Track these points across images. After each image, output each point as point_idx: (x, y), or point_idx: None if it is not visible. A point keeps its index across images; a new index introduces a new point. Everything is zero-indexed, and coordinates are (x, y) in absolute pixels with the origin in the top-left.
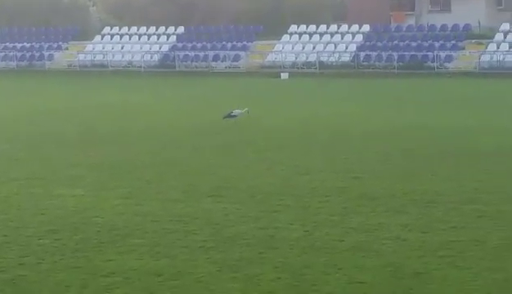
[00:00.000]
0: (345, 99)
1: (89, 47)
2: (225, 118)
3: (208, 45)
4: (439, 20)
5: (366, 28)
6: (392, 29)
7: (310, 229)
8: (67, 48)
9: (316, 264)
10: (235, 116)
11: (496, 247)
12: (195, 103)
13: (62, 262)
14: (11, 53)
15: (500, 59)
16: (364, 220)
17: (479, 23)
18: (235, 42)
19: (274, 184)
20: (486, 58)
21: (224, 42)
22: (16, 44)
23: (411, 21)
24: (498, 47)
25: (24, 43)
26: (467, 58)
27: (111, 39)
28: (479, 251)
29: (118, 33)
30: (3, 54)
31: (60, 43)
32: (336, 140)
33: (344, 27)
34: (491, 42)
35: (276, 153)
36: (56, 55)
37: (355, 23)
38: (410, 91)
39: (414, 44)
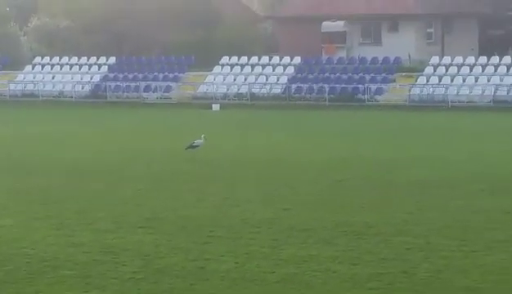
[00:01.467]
0: (276, 130)
1: (20, 77)
2: (187, 148)
3: (140, 75)
4: (370, 52)
5: (298, 60)
6: (324, 61)
7: (241, 260)
8: None
9: None
10: (197, 146)
11: (424, 279)
12: (124, 134)
13: None
14: None
15: (430, 92)
16: (294, 251)
17: (409, 56)
18: (166, 73)
19: (205, 216)
20: (416, 91)
21: (155, 73)
22: None
23: (343, 54)
24: (428, 80)
25: None
26: (397, 91)
27: (42, 69)
28: (408, 282)
29: (49, 63)
30: None
31: None
32: (267, 172)
33: (276, 59)
34: (421, 75)
35: (206, 184)
36: None
37: (286, 55)
38: (341, 123)
39: (345, 76)
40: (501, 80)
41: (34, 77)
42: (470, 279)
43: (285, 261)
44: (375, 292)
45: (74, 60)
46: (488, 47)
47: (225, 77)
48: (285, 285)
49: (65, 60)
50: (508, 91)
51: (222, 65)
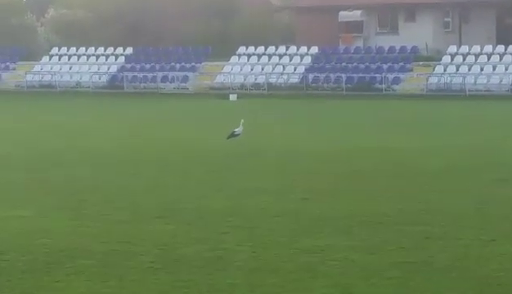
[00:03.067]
0: (294, 120)
1: (37, 68)
2: (229, 138)
3: (157, 66)
4: (387, 41)
5: (315, 49)
6: (341, 51)
7: (258, 250)
8: (14, 68)
9: (264, 285)
10: (238, 134)
11: (443, 268)
12: (143, 124)
13: (9, 283)
14: None
15: (448, 81)
16: (312, 241)
17: (427, 45)
18: (183, 63)
19: (223, 205)
20: (433, 80)
21: (173, 63)
22: None
23: (360, 43)
24: (445, 69)
25: None
26: (415, 80)
27: (59, 60)
28: (427, 272)
29: (66, 54)
30: None
31: (8, 63)
32: (285, 162)
33: (293, 49)
34: (439, 64)
35: (224, 173)
36: (4, 75)
37: (303, 45)
38: (359, 113)
39: (362, 66)
40: None
41: (51, 68)
42: (489, 268)
43: (303, 251)
44: (394, 282)
45: (91, 50)
46: (506, 36)
47: (242, 68)
48: (302, 274)
49: (82, 50)
50: None
51: (239, 55)
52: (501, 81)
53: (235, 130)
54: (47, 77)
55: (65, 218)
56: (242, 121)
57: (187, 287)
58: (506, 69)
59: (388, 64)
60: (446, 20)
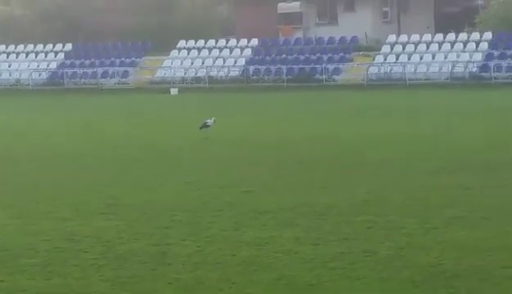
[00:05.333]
0: (235, 112)
1: None
2: (201, 128)
3: (97, 62)
4: (327, 32)
5: (255, 42)
6: (281, 43)
7: (202, 244)
8: None
9: (209, 279)
10: (209, 125)
11: (386, 257)
12: (83, 120)
13: None
14: None
15: (388, 70)
16: (256, 234)
17: (366, 35)
18: (123, 59)
19: (166, 200)
20: (373, 70)
21: (113, 59)
22: None
23: (299, 34)
24: (385, 59)
25: None
26: (355, 70)
27: None
28: (370, 261)
29: (4, 52)
30: None
31: None
32: (227, 154)
33: (233, 41)
34: (379, 53)
35: (166, 168)
36: None
37: (243, 37)
38: (300, 104)
39: (302, 57)
40: (458, 57)
41: None
42: (431, 256)
43: (247, 244)
44: (338, 272)
45: (30, 47)
46: (444, 25)
47: (182, 61)
48: (246, 267)
49: (20, 48)
50: (465, 68)
51: (179, 49)
52: (441, 69)
53: (207, 121)
54: None
55: (8, 216)
56: (213, 118)
57: (131, 283)
58: (445, 58)
59: (328, 54)
60: (384, 9)
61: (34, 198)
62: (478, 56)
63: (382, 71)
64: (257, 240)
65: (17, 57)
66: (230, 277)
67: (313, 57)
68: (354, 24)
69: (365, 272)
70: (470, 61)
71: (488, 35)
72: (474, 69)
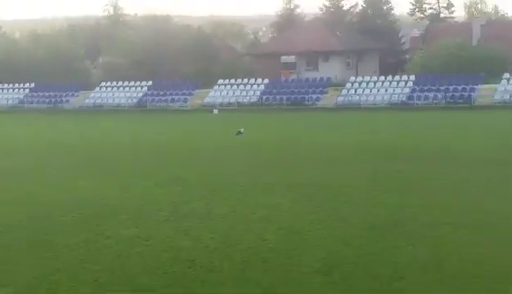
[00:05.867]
0: (255, 125)
1: (92, 95)
2: (237, 134)
3: (167, 92)
4: (312, 75)
5: (266, 81)
6: (283, 81)
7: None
8: (78, 95)
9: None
10: (242, 133)
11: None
12: (163, 130)
13: None
14: None
15: (350, 99)
16: None
17: (336, 77)
18: (184, 90)
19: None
20: (341, 98)
21: (177, 91)
22: None
23: (294, 76)
24: (348, 91)
25: None
26: (329, 98)
27: (106, 89)
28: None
29: (110, 86)
30: None
31: (73, 92)
32: (254, 151)
33: (252, 80)
34: (344, 88)
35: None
36: (71, 100)
37: (259, 77)
38: (296, 120)
39: (296, 90)
40: (394, 90)
41: (101, 95)
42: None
43: None
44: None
45: (126, 83)
46: (386, 70)
47: (221, 92)
48: None
49: (120, 83)
50: (398, 97)
51: (219, 85)
52: (383, 97)
53: (240, 130)
54: (99, 100)
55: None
56: (243, 128)
57: (188, 230)
58: (386, 91)
59: (312, 88)
60: (347, 60)
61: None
62: (407, 90)
63: (346, 99)
64: None
65: (118, 89)
66: None
67: (303, 90)
68: (329, 70)
69: None
70: (402, 93)
71: (413, 77)
72: (404, 98)
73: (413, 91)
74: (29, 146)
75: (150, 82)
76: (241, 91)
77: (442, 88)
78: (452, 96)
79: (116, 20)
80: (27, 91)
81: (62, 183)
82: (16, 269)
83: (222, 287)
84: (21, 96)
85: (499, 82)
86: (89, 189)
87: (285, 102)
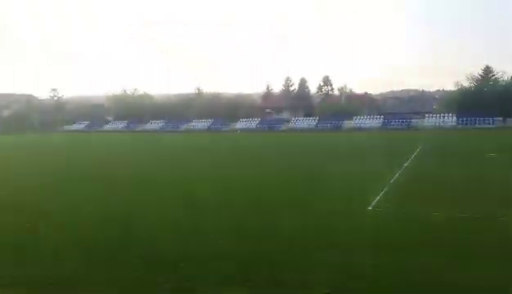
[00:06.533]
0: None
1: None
2: None
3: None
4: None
5: (258, 120)
6: (270, 119)
7: None
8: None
9: None
10: None
11: None
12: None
13: None
14: None
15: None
16: None
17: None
18: (223, 124)
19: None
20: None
21: (221, 124)
22: None
23: (271, 117)
24: (295, 123)
25: None
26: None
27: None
28: None
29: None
30: None
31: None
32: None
33: (254, 118)
34: (291, 121)
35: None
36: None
37: (258, 117)
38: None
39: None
40: (308, 123)
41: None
42: None
43: None
44: None
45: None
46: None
47: (243, 125)
48: None
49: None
50: (309, 125)
51: (241, 121)
52: (303, 125)
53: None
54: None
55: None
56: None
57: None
58: (303, 122)
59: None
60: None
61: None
62: (314, 122)
63: (291, 126)
64: None
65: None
66: None
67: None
68: (285, 114)
69: None
70: (311, 124)
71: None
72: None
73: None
74: None
75: (212, 119)
76: (251, 122)
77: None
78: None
79: None
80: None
81: None
82: None
83: None
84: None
85: None
86: None
87: (274, 129)
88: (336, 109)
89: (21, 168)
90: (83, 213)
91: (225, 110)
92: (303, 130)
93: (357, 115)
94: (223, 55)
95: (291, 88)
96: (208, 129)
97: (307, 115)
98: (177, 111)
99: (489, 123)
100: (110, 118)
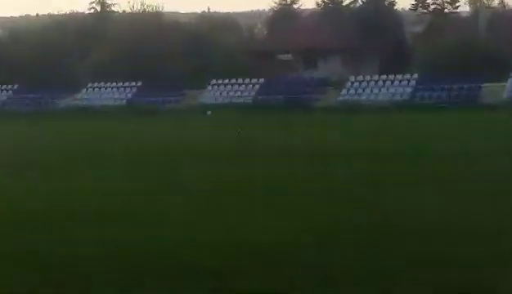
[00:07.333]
0: (249, 124)
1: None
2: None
3: (158, 93)
4: (310, 74)
5: (262, 80)
6: (280, 81)
7: None
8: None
9: None
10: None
11: None
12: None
13: None
14: None
15: (350, 98)
16: None
17: (335, 76)
18: (176, 91)
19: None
20: (341, 99)
21: (169, 91)
22: None
23: (292, 75)
24: (348, 91)
25: None
26: (328, 99)
27: (93, 90)
28: None
29: (98, 86)
30: None
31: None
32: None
33: (247, 80)
34: (344, 87)
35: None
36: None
37: (255, 77)
38: (294, 122)
39: (295, 90)
40: (396, 90)
41: (88, 96)
42: None
43: None
44: None
45: (114, 83)
46: (386, 70)
47: (214, 93)
48: None
49: (108, 84)
50: (401, 96)
51: (212, 85)
52: (384, 97)
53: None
54: (86, 102)
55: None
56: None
57: None
58: (387, 90)
59: (311, 88)
60: (347, 58)
61: None
62: (409, 89)
63: (347, 98)
64: None
65: (106, 90)
66: None
67: (301, 90)
68: (328, 69)
69: None
70: (403, 93)
71: (416, 75)
72: (407, 98)
73: (415, 90)
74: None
75: (139, 83)
76: (235, 91)
77: (446, 87)
78: (457, 96)
79: (103, 18)
80: (10, 92)
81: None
82: None
83: None
84: (4, 98)
85: (506, 80)
86: None
87: (282, 102)
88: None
89: None
90: None
91: (175, 58)
92: (381, 107)
93: None
94: None
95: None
96: (128, 105)
97: (389, 70)
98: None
99: None
100: None
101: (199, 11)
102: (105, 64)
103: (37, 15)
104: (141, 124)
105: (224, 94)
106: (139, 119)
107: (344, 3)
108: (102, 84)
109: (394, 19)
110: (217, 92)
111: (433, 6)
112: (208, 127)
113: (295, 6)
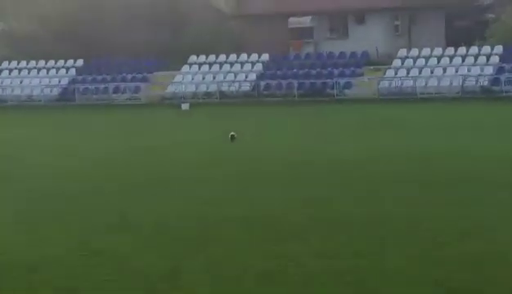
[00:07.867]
0: (247, 126)
1: None
2: (232, 141)
3: (108, 77)
4: (337, 47)
5: (266, 57)
6: (291, 58)
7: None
8: None
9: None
10: (235, 137)
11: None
12: (94, 136)
13: None
14: None
15: (399, 84)
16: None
17: (377, 49)
18: (135, 74)
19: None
20: (384, 84)
21: (124, 74)
22: None
23: (310, 49)
24: (396, 73)
25: None
26: (366, 84)
27: (10, 73)
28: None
29: (16, 68)
30: None
31: None
32: (246, 172)
33: (244, 56)
34: (390, 67)
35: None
36: None
37: (254, 52)
38: (312, 118)
39: (313, 72)
40: (469, 71)
41: (2, 82)
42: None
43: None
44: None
45: (42, 63)
46: (455, 38)
47: (193, 77)
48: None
49: (32, 64)
50: (476, 82)
51: (191, 64)
52: (451, 83)
53: (233, 134)
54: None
55: None
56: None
57: None
58: (456, 71)
59: (339, 69)
60: (395, 23)
61: None
62: (489, 70)
63: (393, 85)
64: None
65: (29, 73)
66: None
67: (324, 72)
68: (365, 38)
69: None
70: (481, 75)
71: (499, 49)
72: (485, 83)
73: (500, 71)
74: None
75: (79, 62)
76: (226, 73)
77: None
78: None
79: None
80: None
81: None
82: None
83: None
84: None
85: None
86: None
87: (295, 91)
88: None
89: None
90: None
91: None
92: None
93: None
94: None
95: None
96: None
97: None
98: None
99: None
100: None
101: None
102: (28, 36)
103: None
104: (82, 126)
105: (208, 78)
106: (81, 117)
107: None
108: (24, 64)
109: None
110: (196, 76)
111: None
112: (183, 131)
113: None
